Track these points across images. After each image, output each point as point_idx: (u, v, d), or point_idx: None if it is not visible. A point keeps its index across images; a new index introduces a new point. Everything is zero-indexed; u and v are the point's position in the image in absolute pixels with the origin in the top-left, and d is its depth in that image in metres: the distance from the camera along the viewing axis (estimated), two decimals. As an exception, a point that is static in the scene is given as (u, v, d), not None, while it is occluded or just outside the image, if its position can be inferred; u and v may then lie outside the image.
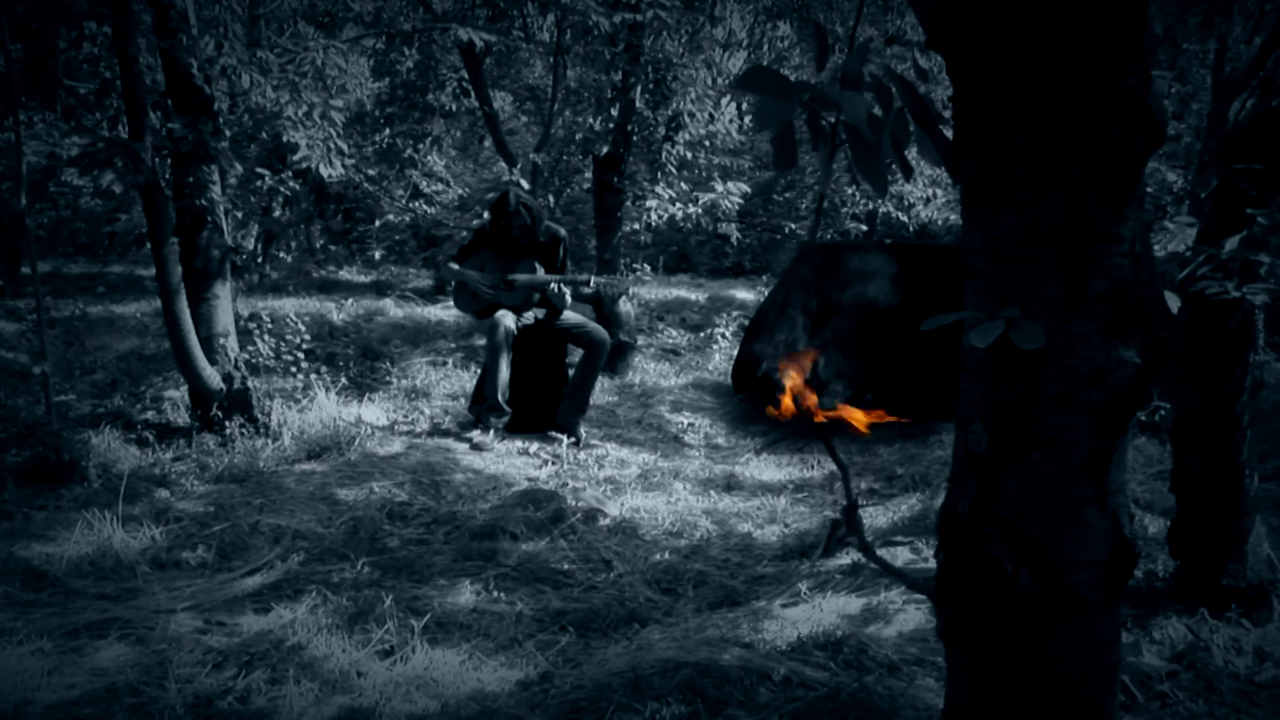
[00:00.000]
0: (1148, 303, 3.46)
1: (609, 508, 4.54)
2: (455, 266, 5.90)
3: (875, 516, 4.54)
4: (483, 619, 3.41)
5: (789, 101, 1.61)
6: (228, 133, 5.86)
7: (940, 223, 10.31)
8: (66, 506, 4.32)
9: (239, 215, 6.01)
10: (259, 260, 7.90)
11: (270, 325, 5.90)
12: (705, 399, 7.24)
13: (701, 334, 10.37)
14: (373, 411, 6.20)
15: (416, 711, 2.77)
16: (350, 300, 11.41)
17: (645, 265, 11.97)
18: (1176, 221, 3.77)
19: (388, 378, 7.35)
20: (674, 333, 10.49)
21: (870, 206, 11.53)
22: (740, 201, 8.38)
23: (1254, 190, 3.31)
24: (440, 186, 10.95)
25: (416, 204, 9.23)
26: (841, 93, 1.59)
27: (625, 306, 8.64)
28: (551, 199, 10.84)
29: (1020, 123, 1.66)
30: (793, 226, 12.70)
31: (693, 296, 13.08)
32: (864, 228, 12.00)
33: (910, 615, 3.40)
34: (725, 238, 9.39)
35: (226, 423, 5.32)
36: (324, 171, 5.69)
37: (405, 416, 6.24)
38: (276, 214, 6.66)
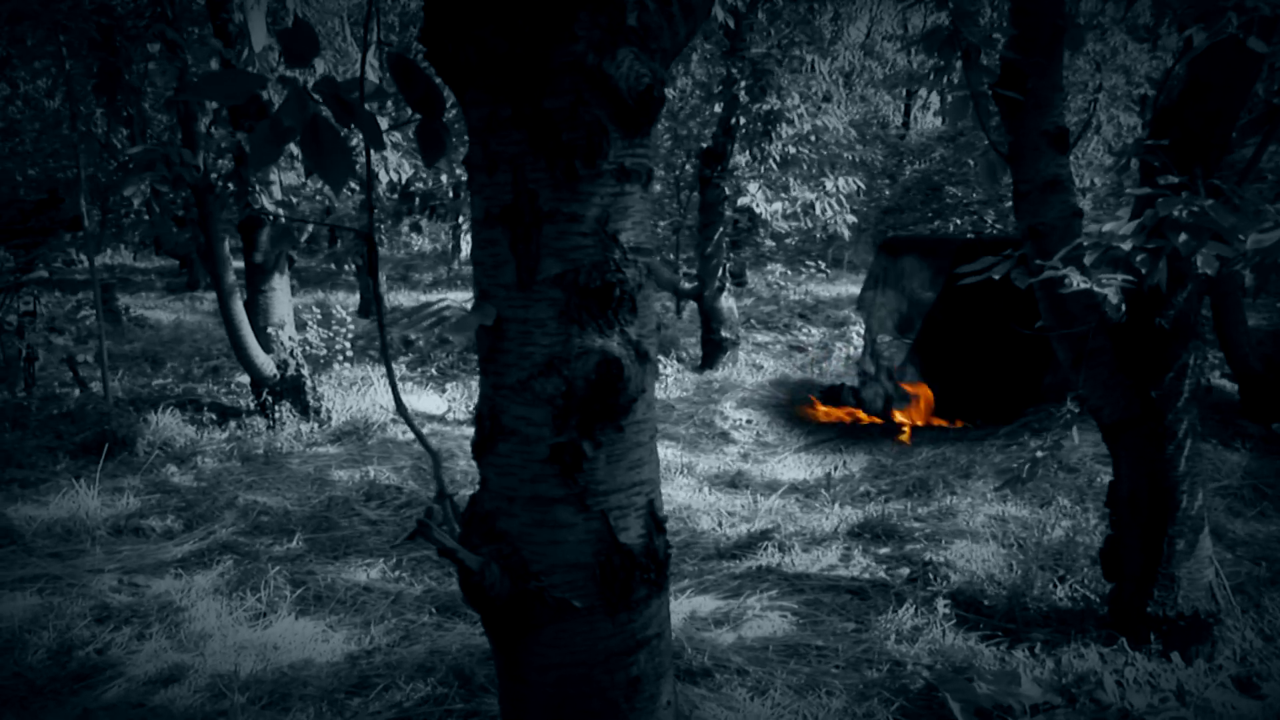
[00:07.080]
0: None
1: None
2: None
3: (849, 516, 4.31)
4: (367, 595, 3.55)
5: (245, 100, 1.63)
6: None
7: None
8: (103, 476, 4.83)
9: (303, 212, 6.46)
10: (361, 257, 8.47)
11: (320, 317, 6.31)
12: (778, 396, 7.06)
13: (838, 330, 10.21)
14: (432, 400, 6.51)
15: (226, 671, 2.94)
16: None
17: (778, 265, 11.88)
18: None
19: (476, 369, 7.68)
20: (812, 330, 10.40)
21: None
22: (843, 200, 8.09)
23: (1176, 170, 2.92)
24: None
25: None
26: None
27: (727, 303, 8.57)
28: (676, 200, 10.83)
29: (474, 98, 1.60)
30: (958, 222, 12.05)
31: (856, 291, 12.87)
32: (998, 226, 11.36)
33: (769, 622, 3.24)
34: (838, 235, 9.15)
35: (276, 407, 5.76)
36: (383, 176, 6.02)
37: (466, 406, 6.51)
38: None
